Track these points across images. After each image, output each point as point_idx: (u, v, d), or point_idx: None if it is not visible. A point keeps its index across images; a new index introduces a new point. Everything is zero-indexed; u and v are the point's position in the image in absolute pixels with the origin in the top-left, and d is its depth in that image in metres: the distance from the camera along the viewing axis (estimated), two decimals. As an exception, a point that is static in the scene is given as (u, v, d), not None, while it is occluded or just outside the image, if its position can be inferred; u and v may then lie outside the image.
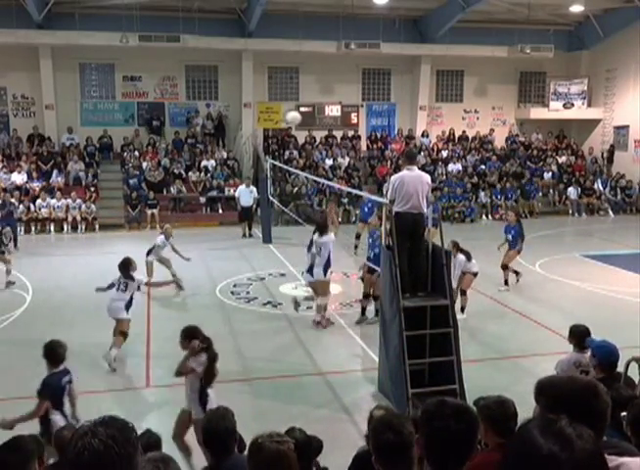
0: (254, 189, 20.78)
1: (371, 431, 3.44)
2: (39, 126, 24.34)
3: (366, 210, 16.97)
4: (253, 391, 8.83)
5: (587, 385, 2.54)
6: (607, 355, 5.64)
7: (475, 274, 12.07)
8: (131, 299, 9.89)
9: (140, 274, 10.60)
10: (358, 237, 17.04)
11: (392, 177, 8.63)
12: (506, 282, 13.85)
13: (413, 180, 8.27)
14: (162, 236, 14.06)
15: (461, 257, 11.82)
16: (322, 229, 11.32)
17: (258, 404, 8.13)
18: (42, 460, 4.33)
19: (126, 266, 9.87)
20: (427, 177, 8.60)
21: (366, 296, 11.71)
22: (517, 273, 14.18)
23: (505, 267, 13.88)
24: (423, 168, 21.55)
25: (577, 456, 1.71)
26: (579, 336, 6.48)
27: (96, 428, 1.92)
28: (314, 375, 9.34)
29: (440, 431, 2.31)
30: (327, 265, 11.20)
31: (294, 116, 17.53)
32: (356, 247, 17.08)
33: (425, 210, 8.41)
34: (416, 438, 2.43)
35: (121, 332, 9.83)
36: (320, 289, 11.31)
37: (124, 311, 9.80)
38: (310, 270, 11.37)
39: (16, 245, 18.45)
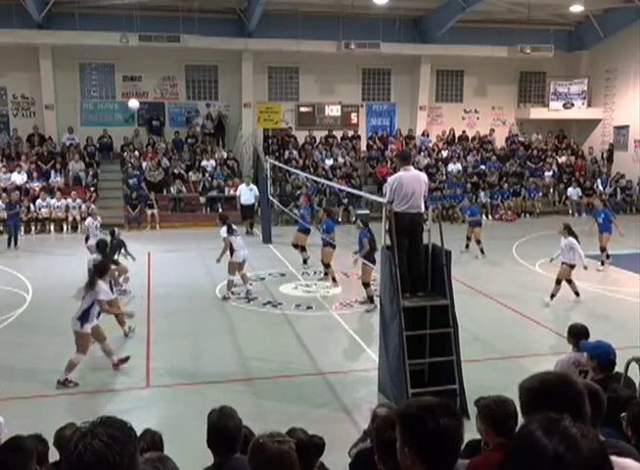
0: (255, 187, 20.89)
1: (375, 430, 3.43)
2: (39, 126, 24.35)
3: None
4: (253, 391, 8.82)
5: (562, 375, 2.73)
6: (605, 355, 5.63)
7: (572, 266, 12.72)
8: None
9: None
10: (297, 247, 16.02)
11: (390, 178, 8.63)
12: (608, 256, 15.73)
13: (411, 180, 8.27)
14: (90, 218, 15.79)
15: (572, 239, 12.63)
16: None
17: (258, 405, 8.13)
18: (46, 459, 4.33)
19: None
20: (424, 177, 8.60)
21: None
22: (607, 256, 15.83)
23: (603, 249, 15.69)
24: (425, 169, 21.66)
25: (584, 456, 1.66)
26: (577, 335, 6.47)
27: (95, 429, 1.91)
28: (314, 375, 9.34)
29: (431, 429, 2.27)
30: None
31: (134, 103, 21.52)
32: (305, 261, 15.91)
33: (423, 209, 8.41)
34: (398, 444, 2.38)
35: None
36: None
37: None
38: None
39: (16, 244, 18.76)
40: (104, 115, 25.44)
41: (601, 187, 25.77)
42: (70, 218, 21.31)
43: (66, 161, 23.56)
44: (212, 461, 3.85)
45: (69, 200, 21.40)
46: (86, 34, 22.46)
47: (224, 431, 3.78)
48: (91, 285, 9.00)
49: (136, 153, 24.14)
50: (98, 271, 9.36)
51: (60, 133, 24.50)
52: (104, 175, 23.98)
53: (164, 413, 8.33)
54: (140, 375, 9.36)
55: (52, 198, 21.48)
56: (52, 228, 21.24)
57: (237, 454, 3.75)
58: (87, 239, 14.71)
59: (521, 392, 2.61)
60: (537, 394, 2.55)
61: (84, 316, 8.91)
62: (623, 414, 3.79)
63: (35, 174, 22.60)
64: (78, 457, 1.86)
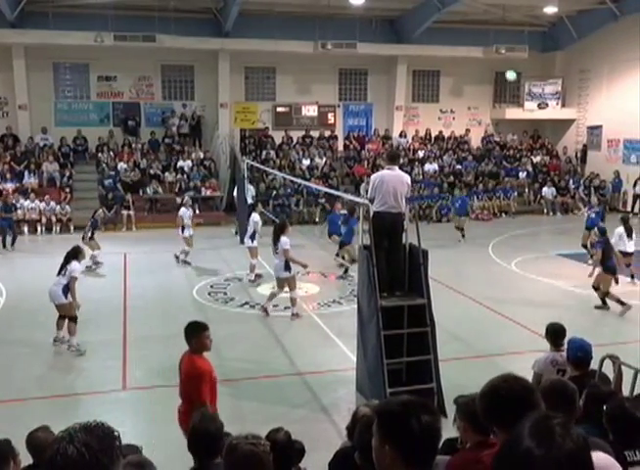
0: (251, 188, 21.09)
1: (358, 434, 3.42)
2: (12, 127, 24.02)
3: None
4: (232, 392, 8.77)
5: (505, 375, 2.94)
6: (573, 352, 5.68)
7: (625, 254, 12.79)
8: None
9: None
10: None
11: (373, 176, 8.64)
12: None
13: (393, 180, 8.29)
14: (183, 207, 16.54)
15: (621, 229, 12.92)
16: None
17: (237, 405, 8.10)
18: (16, 463, 4.25)
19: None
20: (407, 178, 8.62)
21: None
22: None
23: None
24: (401, 168, 21.69)
25: (554, 455, 1.68)
26: (555, 334, 6.51)
27: (75, 433, 1.91)
28: (292, 375, 9.34)
29: (414, 427, 2.26)
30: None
31: None
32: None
33: (404, 209, 8.43)
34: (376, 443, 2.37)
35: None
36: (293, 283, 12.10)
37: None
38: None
39: (5, 245, 18.64)
40: (78, 115, 25.16)
41: (573, 186, 26.03)
42: (45, 220, 21.05)
43: (39, 161, 23.27)
44: (192, 465, 3.83)
45: (43, 202, 21.14)
46: (60, 34, 22.19)
47: (205, 434, 3.75)
48: (278, 241, 11.48)
49: (111, 153, 23.94)
50: (280, 230, 11.70)
51: (33, 133, 24.17)
52: (79, 176, 23.72)
53: (142, 416, 8.28)
54: (117, 377, 9.28)
55: (26, 199, 21.21)
56: (26, 230, 20.94)
57: (218, 460, 3.71)
58: (183, 229, 16.04)
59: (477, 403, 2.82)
60: (486, 399, 2.78)
61: (287, 265, 11.57)
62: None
63: (9, 175, 22.32)
64: (51, 460, 1.87)
